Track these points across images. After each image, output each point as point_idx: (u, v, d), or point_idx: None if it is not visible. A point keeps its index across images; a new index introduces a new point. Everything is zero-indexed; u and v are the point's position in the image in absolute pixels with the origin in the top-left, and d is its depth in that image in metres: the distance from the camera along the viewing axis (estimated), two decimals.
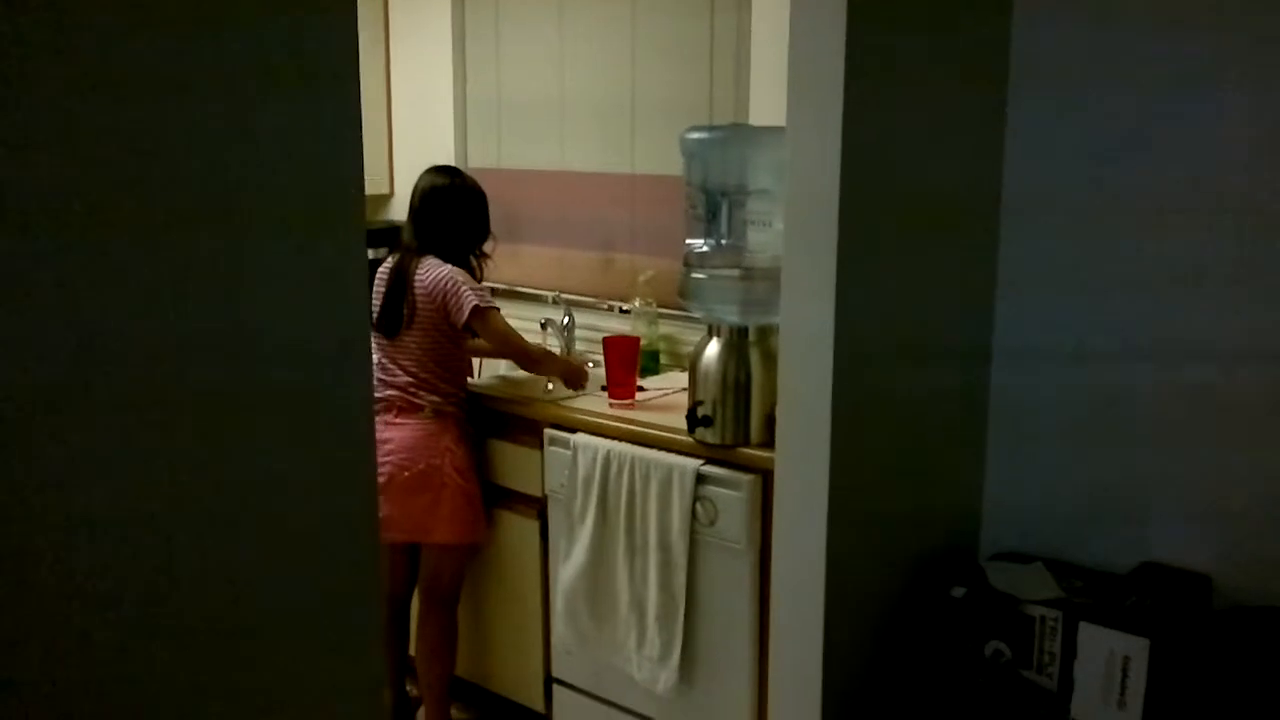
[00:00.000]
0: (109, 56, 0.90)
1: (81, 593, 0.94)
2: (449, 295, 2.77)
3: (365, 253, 1.13)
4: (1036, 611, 1.99)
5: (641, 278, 3.23)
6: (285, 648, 1.10)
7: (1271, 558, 2.00)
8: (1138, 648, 1.87)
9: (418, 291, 2.79)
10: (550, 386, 3.00)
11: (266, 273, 1.03)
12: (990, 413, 2.31)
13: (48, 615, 0.92)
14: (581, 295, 3.46)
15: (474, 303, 2.77)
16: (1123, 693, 1.89)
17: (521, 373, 3.06)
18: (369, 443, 1.15)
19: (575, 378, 2.94)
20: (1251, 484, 2.02)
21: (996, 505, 2.33)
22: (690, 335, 2.98)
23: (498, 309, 2.85)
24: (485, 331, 2.82)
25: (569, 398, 2.88)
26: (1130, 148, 2.07)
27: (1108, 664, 1.91)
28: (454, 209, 2.90)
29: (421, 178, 2.94)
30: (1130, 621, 1.90)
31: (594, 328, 3.28)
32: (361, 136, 1.09)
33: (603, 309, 3.40)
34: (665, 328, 3.21)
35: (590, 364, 3.04)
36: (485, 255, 2.97)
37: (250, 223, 1.02)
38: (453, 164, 3.29)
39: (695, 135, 2.52)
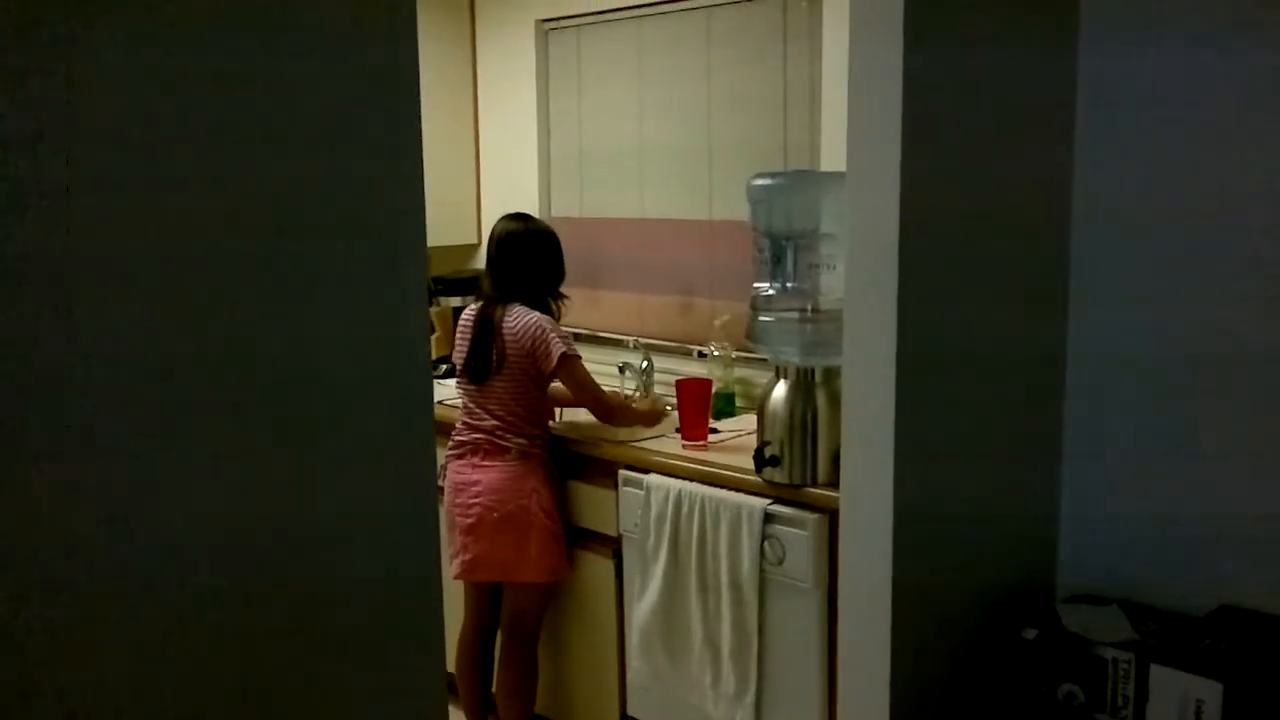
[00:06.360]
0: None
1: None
2: (538, 342, 2.85)
3: (425, 274, 1.21)
4: (1109, 654, 1.96)
5: (718, 322, 3.28)
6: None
7: None
8: (1211, 691, 1.83)
9: (507, 338, 2.87)
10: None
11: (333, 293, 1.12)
12: (1064, 446, 2.28)
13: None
14: (660, 340, 3.52)
15: (562, 349, 2.85)
16: None
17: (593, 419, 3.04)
18: (429, 456, 1.22)
19: (653, 421, 3.00)
20: None
21: (1072, 545, 2.30)
22: (765, 378, 3.00)
23: (580, 357, 2.93)
24: (569, 379, 2.89)
25: (646, 438, 2.93)
26: (1213, 157, 2.03)
27: (1180, 707, 1.86)
28: (531, 253, 2.98)
29: (495, 226, 3.04)
30: (1204, 664, 1.86)
31: (672, 371, 3.34)
32: (423, 172, 1.17)
33: (681, 353, 3.45)
34: (741, 371, 3.25)
35: (667, 407, 3.09)
36: (563, 296, 3.06)
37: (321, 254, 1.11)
38: (536, 214, 3.40)
39: (761, 182, 2.57)
